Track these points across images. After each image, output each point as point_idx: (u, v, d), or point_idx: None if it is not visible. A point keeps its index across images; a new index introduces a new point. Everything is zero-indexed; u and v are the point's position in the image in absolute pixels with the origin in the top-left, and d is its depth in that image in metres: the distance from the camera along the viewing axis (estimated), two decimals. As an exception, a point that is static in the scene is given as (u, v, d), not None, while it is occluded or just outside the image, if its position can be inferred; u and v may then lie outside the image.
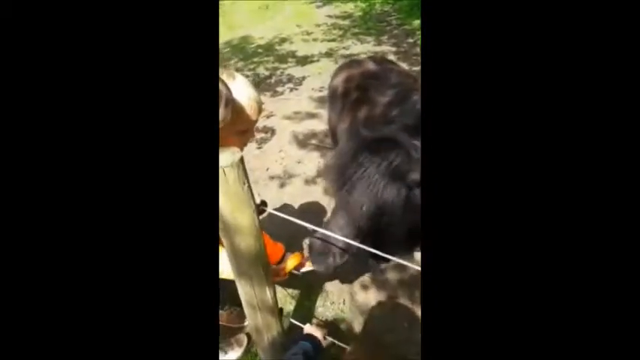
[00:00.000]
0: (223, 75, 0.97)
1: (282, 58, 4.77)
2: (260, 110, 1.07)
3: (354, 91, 1.86)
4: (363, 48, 4.90)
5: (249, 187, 0.81)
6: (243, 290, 0.99)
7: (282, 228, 1.91)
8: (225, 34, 5.87)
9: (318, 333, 1.15)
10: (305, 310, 1.71)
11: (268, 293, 1.00)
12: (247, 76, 4.28)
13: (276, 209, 1.79)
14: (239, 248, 0.88)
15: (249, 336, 1.57)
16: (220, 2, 7.80)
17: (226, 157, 0.74)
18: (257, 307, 1.02)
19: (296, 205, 2.36)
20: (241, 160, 0.76)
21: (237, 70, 4.50)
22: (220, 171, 0.73)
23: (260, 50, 5.13)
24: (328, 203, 2.33)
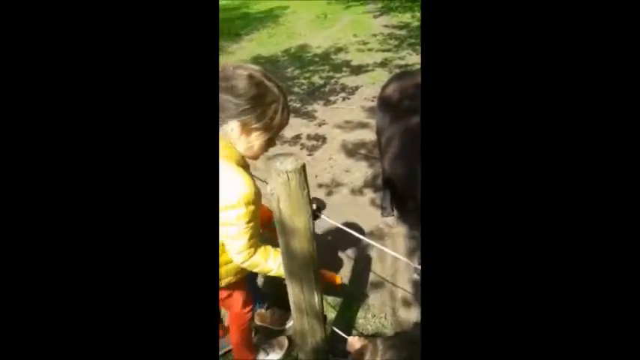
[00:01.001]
0: (240, 69, 0.88)
1: (337, 68, 4.84)
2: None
3: (406, 101, 1.84)
4: (418, 59, 4.83)
5: (308, 193, 0.84)
6: (293, 292, 1.02)
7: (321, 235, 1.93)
8: (284, 43, 6.08)
9: (360, 345, 1.14)
10: (346, 321, 1.70)
11: (316, 297, 1.02)
12: (302, 84, 4.40)
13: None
14: (293, 250, 0.91)
15: (290, 339, 1.59)
16: (281, 12, 8.11)
17: (290, 163, 0.78)
18: (305, 310, 1.04)
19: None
20: (303, 166, 0.80)
21: (293, 78, 4.63)
22: (285, 175, 0.77)
23: (316, 59, 5.24)
24: (373, 214, 2.32)
